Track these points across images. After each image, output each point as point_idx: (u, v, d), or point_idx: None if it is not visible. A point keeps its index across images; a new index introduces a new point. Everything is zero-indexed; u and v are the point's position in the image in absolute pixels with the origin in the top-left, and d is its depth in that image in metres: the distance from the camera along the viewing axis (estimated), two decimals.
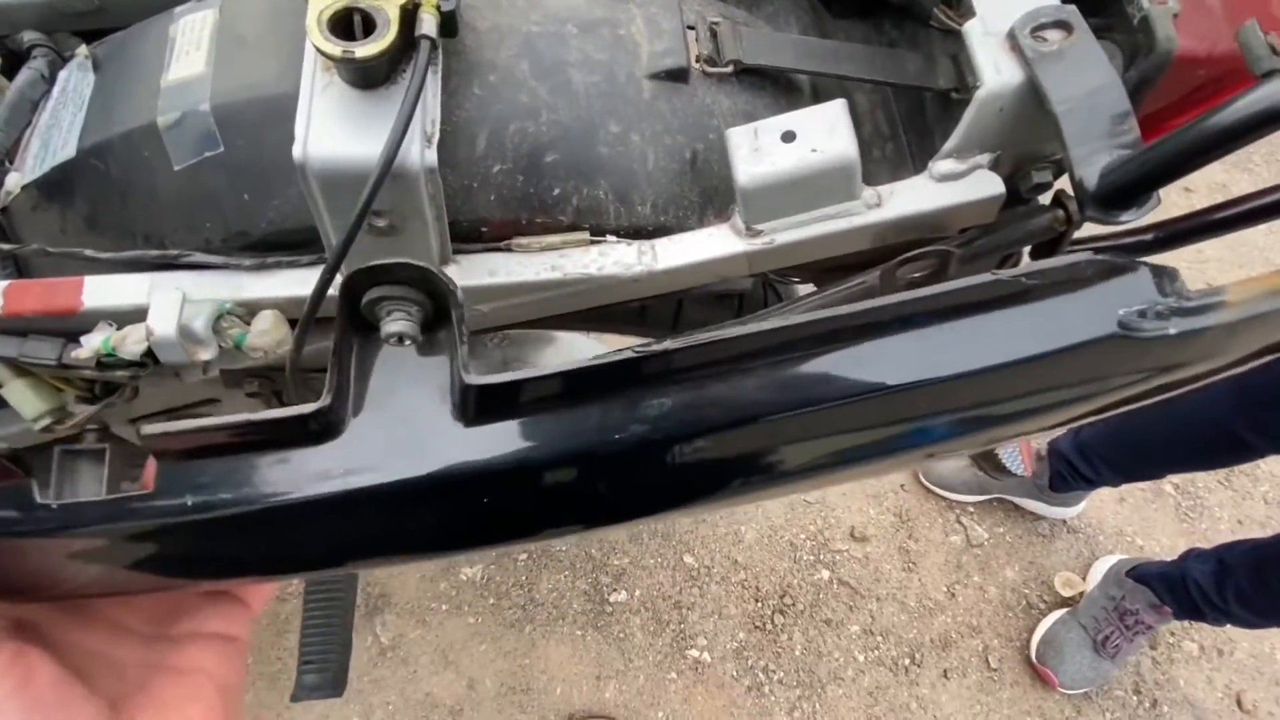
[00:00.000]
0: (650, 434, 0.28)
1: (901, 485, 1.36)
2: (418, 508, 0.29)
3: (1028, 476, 1.27)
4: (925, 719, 1.17)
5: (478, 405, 0.28)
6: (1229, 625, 1.09)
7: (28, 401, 0.40)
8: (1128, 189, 0.29)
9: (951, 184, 0.36)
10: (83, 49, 0.42)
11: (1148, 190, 0.28)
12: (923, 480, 1.35)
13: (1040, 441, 1.32)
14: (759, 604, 1.23)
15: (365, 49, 0.29)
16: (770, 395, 0.28)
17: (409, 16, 0.31)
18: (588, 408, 0.28)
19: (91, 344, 0.37)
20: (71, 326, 0.38)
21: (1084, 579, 1.29)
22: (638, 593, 1.21)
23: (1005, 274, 0.29)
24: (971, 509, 1.35)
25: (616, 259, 0.39)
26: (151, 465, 0.27)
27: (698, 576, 1.24)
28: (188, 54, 0.37)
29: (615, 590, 1.21)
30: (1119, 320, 0.29)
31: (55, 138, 0.40)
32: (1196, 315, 0.29)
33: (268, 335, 0.38)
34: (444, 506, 0.29)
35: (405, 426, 0.28)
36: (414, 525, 0.29)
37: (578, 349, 0.84)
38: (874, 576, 1.28)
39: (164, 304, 0.35)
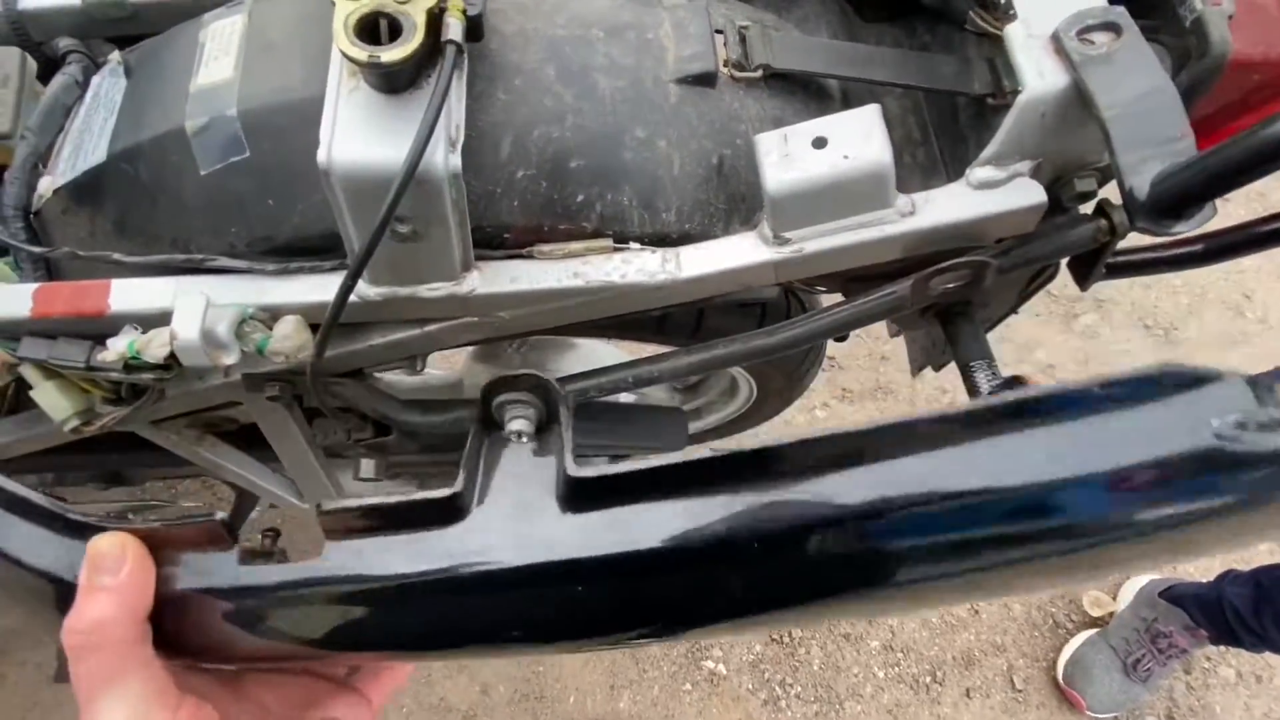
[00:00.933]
0: (734, 534, 0.29)
1: None
2: (524, 591, 0.32)
3: None
4: None
5: (578, 495, 0.31)
6: (1267, 651, 1.05)
7: (56, 403, 0.41)
8: (1181, 198, 0.27)
9: (990, 192, 0.34)
10: (115, 55, 0.42)
11: (1203, 200, 0.27)
12: None
13: None
14: None
15: (391, 54, 0.29)
16: (860, 498, 0.29)
17: (435, 21, 0.31)
18: (681, 501, 0.30)
19: (117, 347, 0.37)
20: (99, 329, 0.39)
21: (1114, 599, 1.25)
22: None
23: (1074, 383, 0.29)
24: None
25: (640, 267, 0.38)
26: (322, 539, 0.31)
27: None
28: (216, 59, 0.37)
29: None
30: (1214, 432, 0.26)
31: (87, 142, 0.40)
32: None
33: (290, 340, 0.37)
34: (545, 592, 0.32)
35: (517, 513, 0.31)
36: (519, 609, 0.32)
37: (598, 356, 0.83)
38: None
39: (187, 308, 0.35)
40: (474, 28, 0.32)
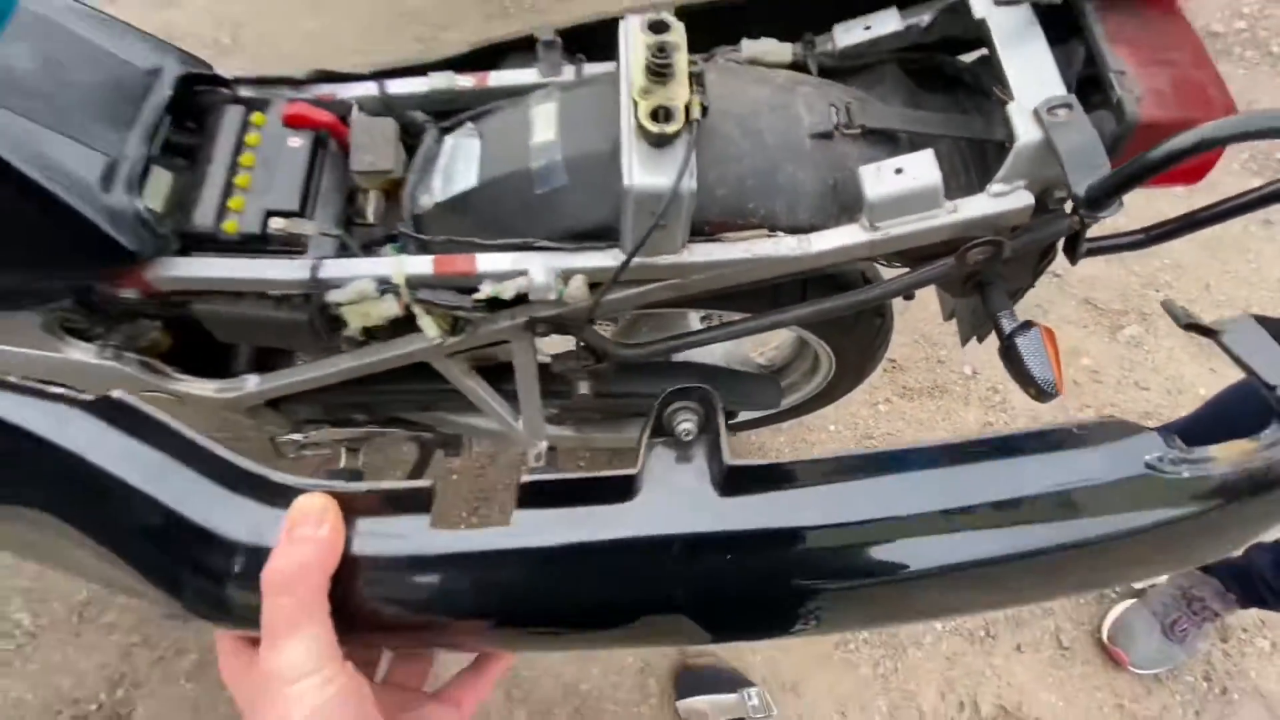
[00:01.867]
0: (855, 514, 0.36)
1: None
2: (681, 562, 0.36)
3: None
4: (999, 685, 1.30)
5: (731, 481, 0.37)
6: None
7: (430, 327, 0.68)
8: (1104, 198, 0.50)
9: (1001, 198, 0.58)
10: (469, 124, 0.71)
11: (1114, 197, 0.50)
12: None
13: None
14: None
15: (671, 128, 0.56)
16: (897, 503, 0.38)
17: (687, 108, 0.57)
18: (816, 489, 0.37)
19: (485, 290, 0.64)
20: (464, 284, 0.66)
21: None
22: None
23: (1060, 425, 0.39)
24: None
25: (786, 246, 0.63)
26: (513, 507, 0.35)
27: None
28: (544, 127, 0.65)
29: None
30: (1146, 463, 0.38)
31: (455, 175, 0.69)
32: (1198, 464, 0.38)
33: (579, 290, 0.64)
34: (700, 562, 0.36)
35: (679, 496, 0.36)
36: (677, 579, 0.36)
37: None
38: None
39: (538, 267, 0.62)
40: (704, 110, 0.58)
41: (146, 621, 1.32)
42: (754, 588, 0.37)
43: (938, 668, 1.31)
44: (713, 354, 1.20)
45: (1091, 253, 0.64)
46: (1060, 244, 0.65)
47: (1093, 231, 0.62)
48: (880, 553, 0.38)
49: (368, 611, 0.34)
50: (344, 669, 0.30)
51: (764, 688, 1.23)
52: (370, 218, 0.73)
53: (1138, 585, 1.37)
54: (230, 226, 0.66)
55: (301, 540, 0.31)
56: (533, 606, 0.37)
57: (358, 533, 0.33)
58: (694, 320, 1.13)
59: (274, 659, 0.30)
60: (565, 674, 1.27)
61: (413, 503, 0.34)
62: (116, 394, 0.36)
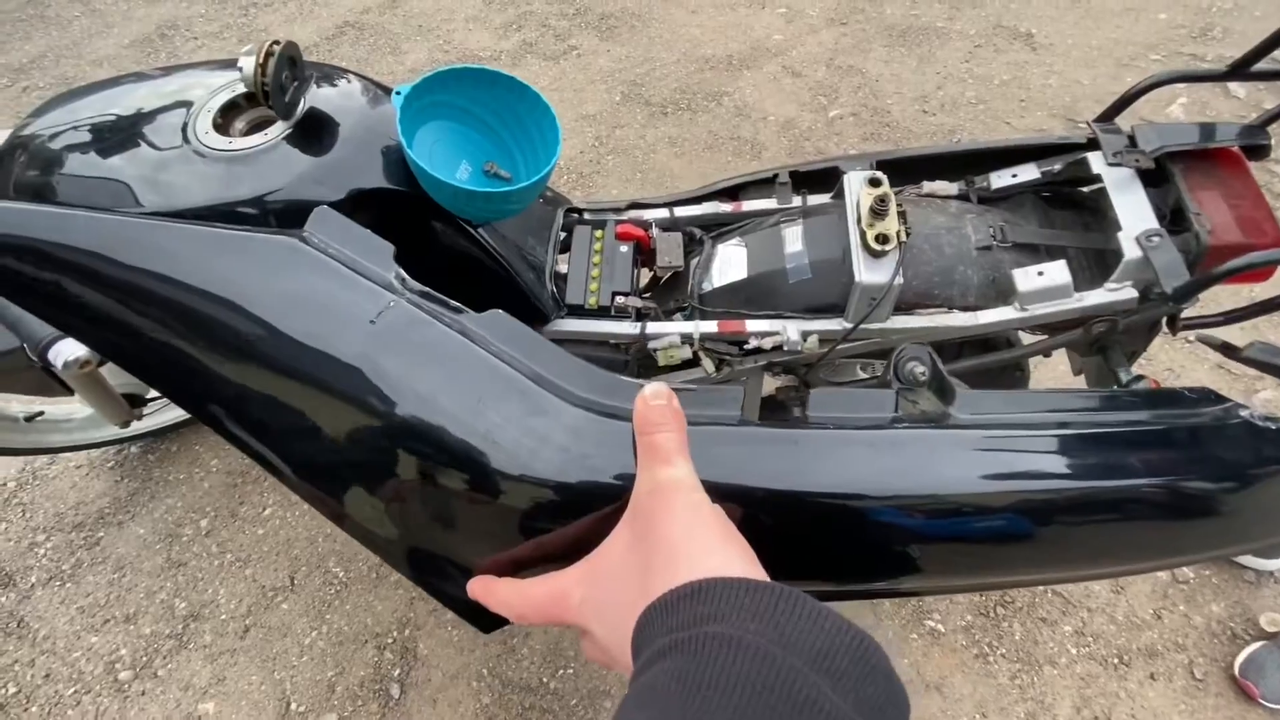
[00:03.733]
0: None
1: None
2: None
3: None
4: (1133, 706, 1.44)
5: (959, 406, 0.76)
6: None
7: (709, 365, 1.06)
8: (1185, 296, 0.79)
9: (1114, 292, 0.88)
10: (737, 236, 1.11)
11: (1193, 295, 0.79)
12: None
13: None
14: (983, 598, 1.61)
15: (889, 247, 0.91)
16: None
17: (898, 234, 0.92)
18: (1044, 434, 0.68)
19: (752, 343, 1.01)
20: (734, 339, 1.04)
21: None
22: None
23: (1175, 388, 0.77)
24: None
25: (960, 319, 0.96)
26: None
27: None
28: (793, 242, 1.03)
29: None
30: (1249, 417, 0.65)
31: (727, 270, 1.07)
32: (1274, 421, 0.65)
33: (814, 345, 1.00)
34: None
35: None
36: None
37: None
38: (1085, 592, 1.59)
39: (791, 329, 0.98)
40: (908, 234, 0.93)
41: None
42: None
43: (1073, 685, 1.48)
44: None
45: (1186, 328, 0.92)
46: (1164, 321, 0.93)
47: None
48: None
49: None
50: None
51: (910, 685, 1.46)
52: (641, 289, 1.14)
53: (1270, 630, 1.48)
54: (592, 301, 1.08)
55: (658, 398, 0.39)
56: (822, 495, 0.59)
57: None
58: (858, 371, 1.45)
59: (670, 472, 0.36)
60: None
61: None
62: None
